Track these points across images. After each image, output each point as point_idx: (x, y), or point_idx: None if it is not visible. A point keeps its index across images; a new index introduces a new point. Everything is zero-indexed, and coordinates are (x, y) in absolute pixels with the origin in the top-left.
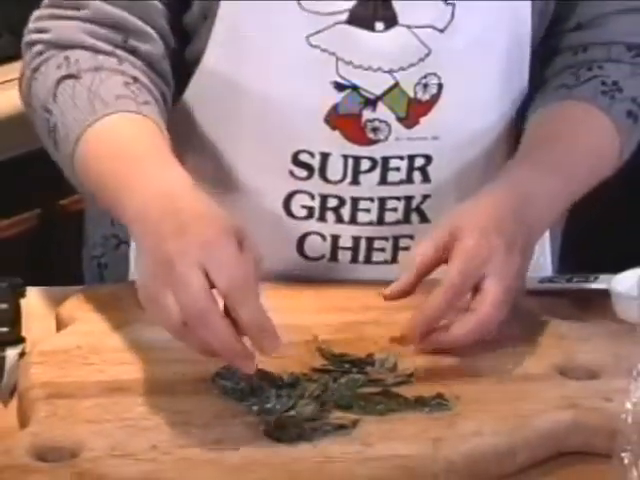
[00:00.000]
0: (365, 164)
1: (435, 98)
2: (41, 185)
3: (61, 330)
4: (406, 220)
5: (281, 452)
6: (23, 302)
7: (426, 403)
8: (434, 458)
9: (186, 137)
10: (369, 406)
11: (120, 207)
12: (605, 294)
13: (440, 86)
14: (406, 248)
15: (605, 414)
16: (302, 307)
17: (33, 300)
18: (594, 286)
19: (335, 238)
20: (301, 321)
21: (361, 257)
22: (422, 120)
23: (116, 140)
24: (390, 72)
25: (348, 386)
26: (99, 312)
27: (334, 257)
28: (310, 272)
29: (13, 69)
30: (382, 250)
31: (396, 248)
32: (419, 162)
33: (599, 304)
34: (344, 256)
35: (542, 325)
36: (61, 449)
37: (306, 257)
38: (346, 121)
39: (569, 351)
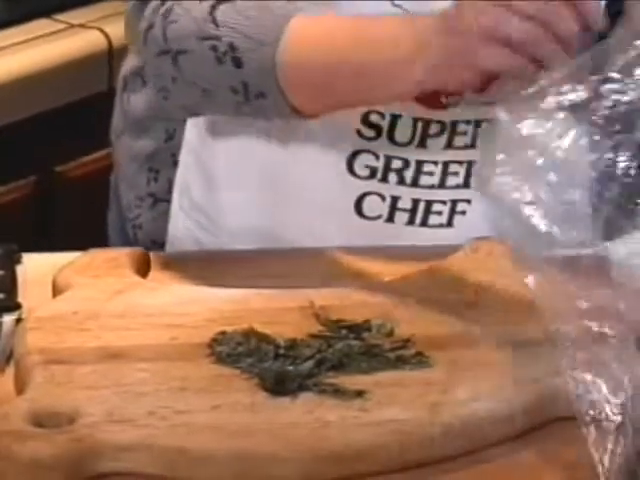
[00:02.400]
0: (434, 127)
1: None
2: (36, 152)
3: (57, 296)
4: (465, 184)
5: (279, 418)
6: (19, 269)
7: (407, 361)
8: (431, 423)
9: None
10: (354, 364)
11: (388, 52)
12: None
13: None
14: (463, 212)
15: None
16: (299, 273)
17: (29, 266)
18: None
19: (395, 199)
20: (295, 287)
21: (418, 219)
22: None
23: (331, 20)
24: None
25: (344, 351)
26: (95, 278)
27: (391, 218)
28: (365, 232)
29: (5, 36)
30: (439, 214)
31: (453, 212)
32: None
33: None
34: (401, 218)
35: None
36: (58, 415)
37: (363, 216)
38: None
39: None
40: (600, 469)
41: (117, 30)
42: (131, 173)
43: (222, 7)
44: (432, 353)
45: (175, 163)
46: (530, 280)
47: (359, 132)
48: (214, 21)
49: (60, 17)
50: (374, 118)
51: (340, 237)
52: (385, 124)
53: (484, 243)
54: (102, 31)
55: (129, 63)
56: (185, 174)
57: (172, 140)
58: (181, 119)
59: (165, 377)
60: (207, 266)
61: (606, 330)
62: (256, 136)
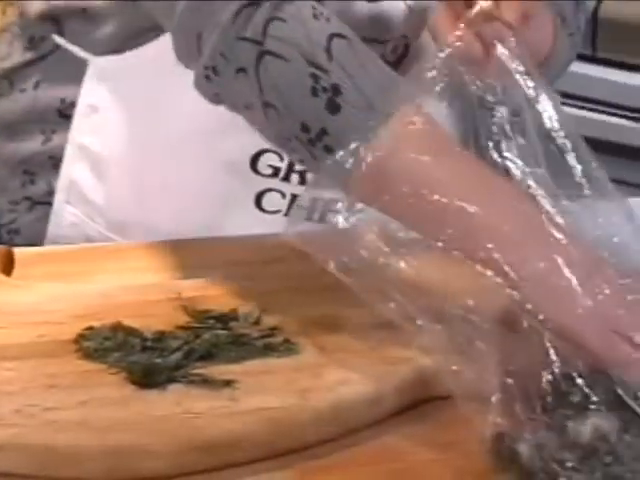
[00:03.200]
0: None
1: None
2: None
3: None
4: None
5: (148, 411)
6: None
7: (275, 349)
8: (301, 409)
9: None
10: (222, 354)
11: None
12: None
13: None
14: (361, 211)
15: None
16: (165, 265)
17: None
18: None
19: (295, 197)
20: (164, 279)
21: (316, 216)
22: None
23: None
24: None
25: (212, 342)
26: None
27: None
28: (263, 225)
29: None
30: (339, 212)
31: (351, 211)
32: None
33: None
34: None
35: None
36: None
37: (262, 210)
38: None
39: None
40: (472, 448)
41: None
42: (2, 178)
43: (338, 41)
44: (300, 339)
45: (55, 165)
46: (400, 262)
47: None
48: (329, 52)
49: None
50: None
51: (238, 229)
52: None
53: None
54: None
55: None
56: (72, 168)
57: (50, 142)
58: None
59: (33, 375)
60: (74, 262)
61: (471, 309)
62: (150, 126)
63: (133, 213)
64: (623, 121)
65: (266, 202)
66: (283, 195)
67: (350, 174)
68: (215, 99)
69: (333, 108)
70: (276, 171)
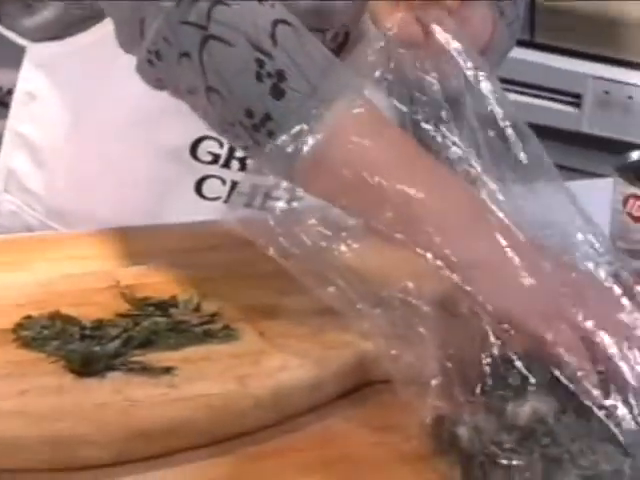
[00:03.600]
0: None
1: None
2: None
3: None
4: None
5: (87, 399)
6: None
7: (215, 335)
8: (241, 395)
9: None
10: (161, 341)
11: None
12: None
13: None
14: (301, 198)
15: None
16: (104, 253)
17: None
18: None
19: (235, 183)
20: (103, 267)
21: (257, 203)
22: None
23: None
24: None
25: (151, 329)
26: None
27: None
28: (203, 212)
29: None
30: (279, 197)
31: (292, 197)
32: None
33: None
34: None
35: None
36: None
37: (203, 196)
38: None
39: None
40: (412, 431)
41: None
42: None
43: (283, 27)
44: (240, 325)
45: None
46: (341, 246)
47: None
48: (273, 37)
49: None
50: None
51: (178, 216)
52: None
53: None
54: None
55: None
56: (10, 157)
57: None
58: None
59: None
60: (13, 251)
61: (411, 293)
62: (89, 113)
63: (73, 201)
64: (561, 106)
65: (206, 189)
66: (223, 182)
67: (291, 160)
68: (158, 84)
69: (277, 93)
70: (216, 158)
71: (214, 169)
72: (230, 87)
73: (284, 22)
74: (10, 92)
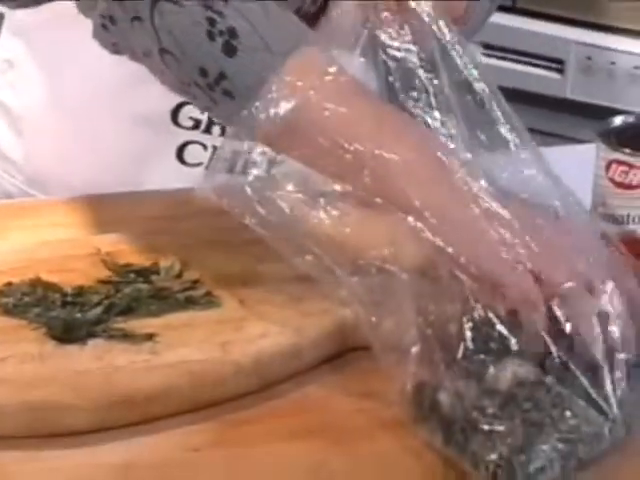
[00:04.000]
0: None
1: None
2: None
3: None
4: None
5: (68, 366)
6: None
7: (196, 302)
8: (222, 362)
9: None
10: (143, 307)
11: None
12: None
13: None
14: (281, 162)
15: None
16: (84, 221)
17: None
18: None
19: (216, 148)
20: (83, 234)
21: (238, 168)
22: None
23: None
24: None
25: (132, 296)
26: None
27: None
28: (185, 178)
29: None
30: (258, 164)
31: (272, 163)
32: None
33: None
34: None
35: None
36: None
37: (184, 162)
38: None
39: None
40: (392, 398)
41: None
42: None
43: None
44: (221, 292)
45: None
46: (320, 212)
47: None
48: None
49: None
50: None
51: (160, 183)
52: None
53: None
54: None
55: None
56: None
57: None
58: None
59: None
60: None
61: (389, 260)
62: (68, 80)
63: (52, 169)
64: (544, 72)
65: (188, 155)
66: (205, 147)
67: (265, 125)
68: (114, 49)
69: (229, 51)
70: (197, 123)
71: (195, 135)
72: (182, 47)
73: None
74: None
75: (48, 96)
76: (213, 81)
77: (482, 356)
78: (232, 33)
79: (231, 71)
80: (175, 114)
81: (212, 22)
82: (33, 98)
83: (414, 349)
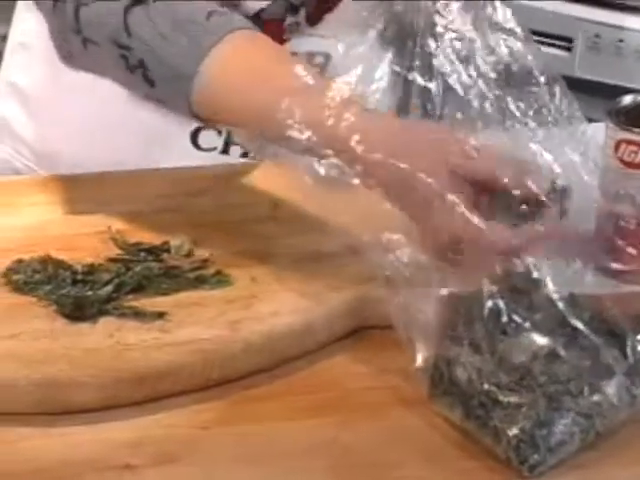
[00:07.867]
0: None
1: None
2: None
3: None
4: None
5: (79, 343)
6: None
7: (206, 281)
8: (232, 340)
9: None
10: (154, 286)
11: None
12: None
13: None
14: None
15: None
16: (94, 198)
17: None
18: None
19: (230, 132)
20: (93, 212)
21: (252, 152)
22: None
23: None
24: None
25: (143, 274)
26: None
27: (226, 150)
28: (200, 162)
29: None
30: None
31: None
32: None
33: None
34: (235, 150)
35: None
36: None
37: (199, 147)
38: None
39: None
40: (409, 374)
41: None
42: None
43: (136, 11)
44: (231, 271)
45: None
46: (330, 197)
47: None
48: (127, 29)
49: None
50: None
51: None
52: None
53: None
54: None
55: None
56: (2, 106)
57: None
58: None
59: None
60: (1, 195)
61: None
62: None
63: (63, 149)
64: (552, 50)
65: (202, 139)
66: (219, 132)
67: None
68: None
69: (149, 81)
70: None
71: None
72: (115, 80)
73: (136, 2)
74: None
75: (61, 77)
76: (149, 99)
77: (498, 332)
78: (143, 65)
79: (155, 97)
80: None
81: (125, 58)
82: (45, 79)
83: (431, 325)
